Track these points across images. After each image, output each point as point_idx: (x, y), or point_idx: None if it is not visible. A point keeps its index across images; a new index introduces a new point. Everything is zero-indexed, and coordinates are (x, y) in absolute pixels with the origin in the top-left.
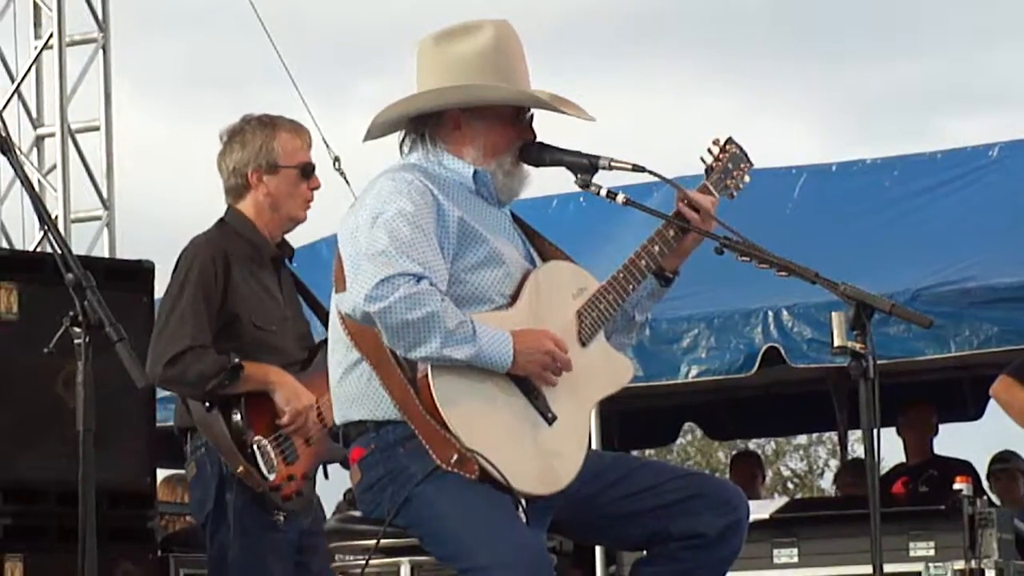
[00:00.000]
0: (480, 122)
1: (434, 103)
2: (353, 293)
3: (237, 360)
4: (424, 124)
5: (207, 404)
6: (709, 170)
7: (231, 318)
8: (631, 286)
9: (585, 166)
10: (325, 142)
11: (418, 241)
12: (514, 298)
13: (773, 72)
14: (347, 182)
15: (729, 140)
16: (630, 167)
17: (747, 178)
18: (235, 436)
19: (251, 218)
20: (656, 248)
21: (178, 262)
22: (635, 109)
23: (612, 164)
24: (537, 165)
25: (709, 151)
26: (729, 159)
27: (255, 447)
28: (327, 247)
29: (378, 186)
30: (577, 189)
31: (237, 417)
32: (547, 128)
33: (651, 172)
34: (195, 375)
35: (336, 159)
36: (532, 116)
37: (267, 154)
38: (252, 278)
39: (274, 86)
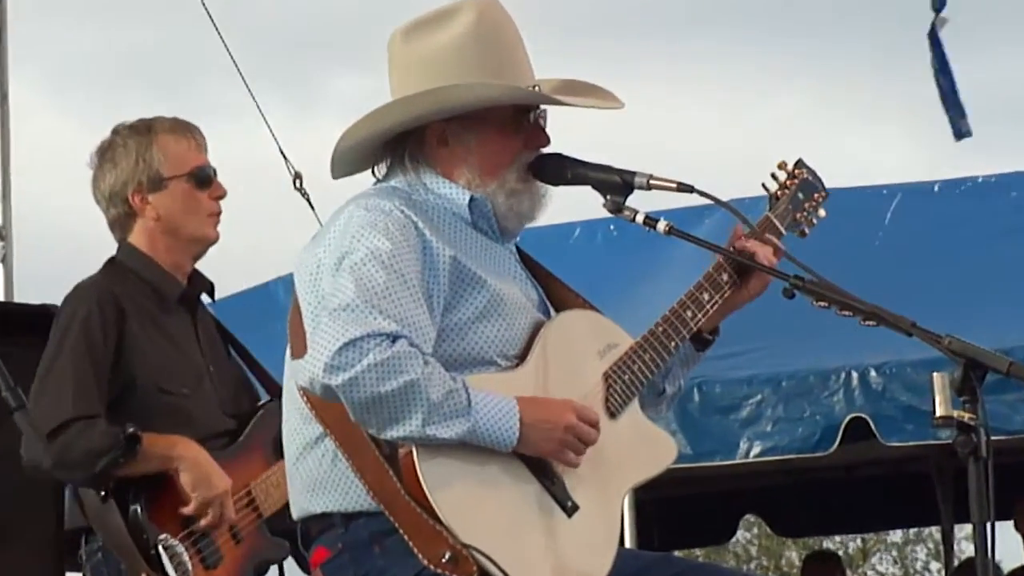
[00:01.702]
0: (470, 134)
1: (403, 117)
2: (310, 362)
3: (132, 430)
4: (403, 143)
5: (102, 492)
6: (774, 200)
7: (128, 381)
8: (673, 343)
9: (617, 184)
10: (283, 154)
11: (395, 290)
12: (521, 358)
13: (858, 65)
14: (311, 205)
15: (799, 163)
16: (674, 186)
17: (822, 212)
18: (134, 533)
19: (146, 251)
20: (706, 296)
21: (58, 315)
22: (686, 114)
23: (652, 182)
24: (554, 183)
25: (774, 176)
26: (799, 187)
27: (160, 547)
28: (284, 289)
29: (346, 216)
30: (606, 214)
31: (137, 508)
32: (577, 131)
33: (702, 193)
34: (80, 453)
35: (297, 176)
36: (542, 118)
37: (146, 167)
38: (154, 328)
39: (223, 82)
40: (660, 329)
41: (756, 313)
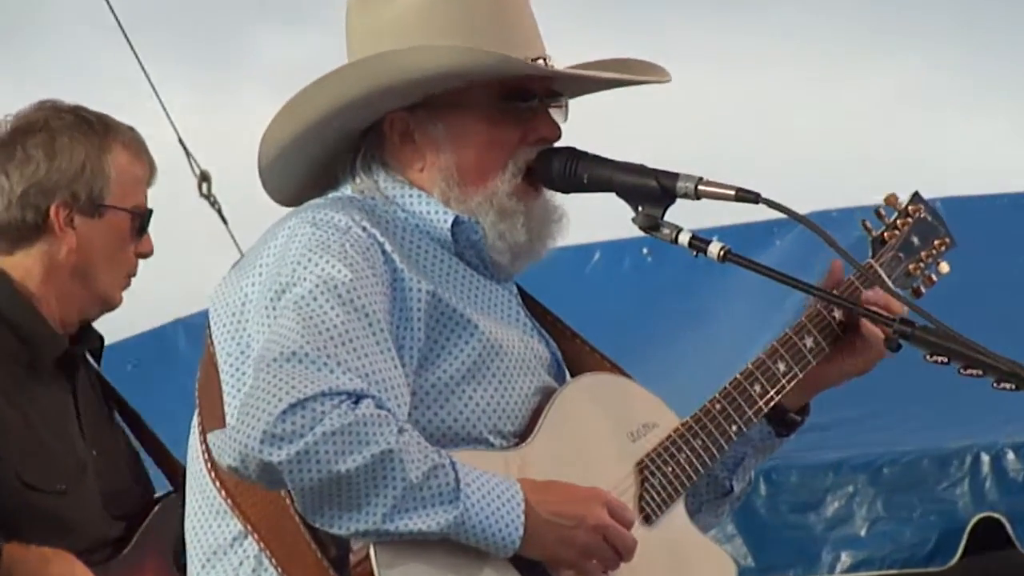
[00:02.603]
0: (439, 125)
1: (334, 101)
2: (240, 431)
3: None
4: (359, 141)
5: None
6: (878, 244)
7: None
8: (735, 427)
9: (653, 191)
10: (184, 147)
11: (356, 333)
12: (523, 436)
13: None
14: (222, 217)
15: (915, 198)
16: (732, 193)
17: (944, 267)
18: None
19: (30, 289)
20: (782, 366)
21: None
22: (747, 100)
23: (702, 188)
24: (566, 189)
25: (879, 214)
26: (913, 229)
27: None
28: (186, 334)
29: (286, 235)
30: (637, 232)
31: None
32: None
33: (770, 203)
34: None
35: (203, 177)
36: (557, 108)
37: (91, 179)
38: (21, 399)
39: (103, 43)
40: (717, 407)
41: None
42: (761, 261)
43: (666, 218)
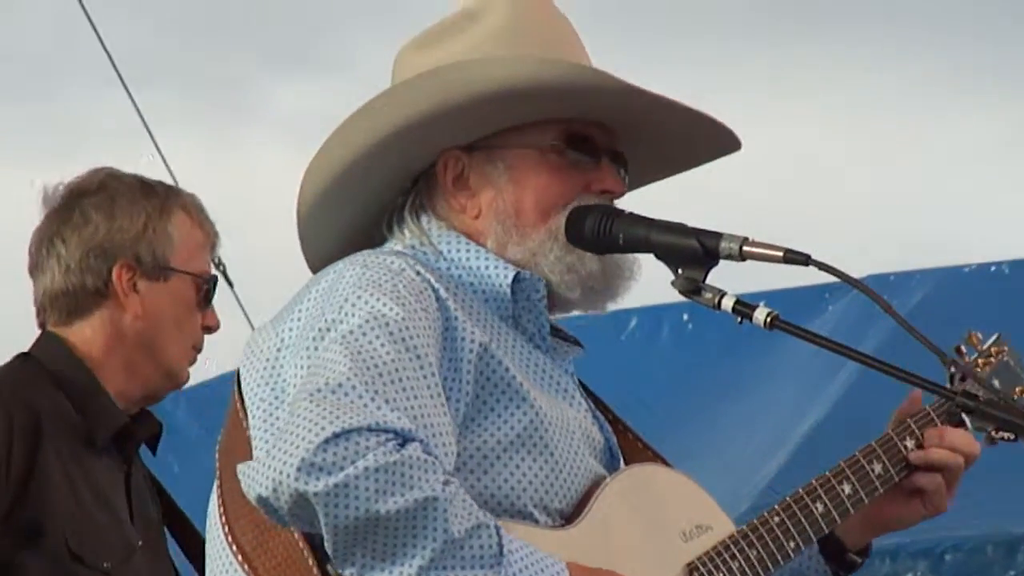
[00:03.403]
0: (499, 166)
1: (398, 118)
2: (276, 457)
3: None
4: (407, 191)
5: None
6: (967, 412)
7: (31, 534)
8: (792, 544)
9: (694, 252)
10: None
11: (407, 373)
12: (571, 517)
13: None
14: (228, 282)
15: (999, 340)
16: (780, 255)
17: None
18: None
19: (93, 357)
20: (847, 487)
21: None
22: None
23: (747, 249)
24: (599, 251)
25: (959, 351)
26: (995, 372)
27: None
28: (187, 406)
29: (330, 279)
30: (677, 297)
31: None
32: None
33: (822, 266)
34: None
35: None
36: (617, 157)
37: (154, 239)
38: (77, 469)
39: (101, 92)
40: (776, 519)
41: None
42: (811, 328)
43: (708, 281)
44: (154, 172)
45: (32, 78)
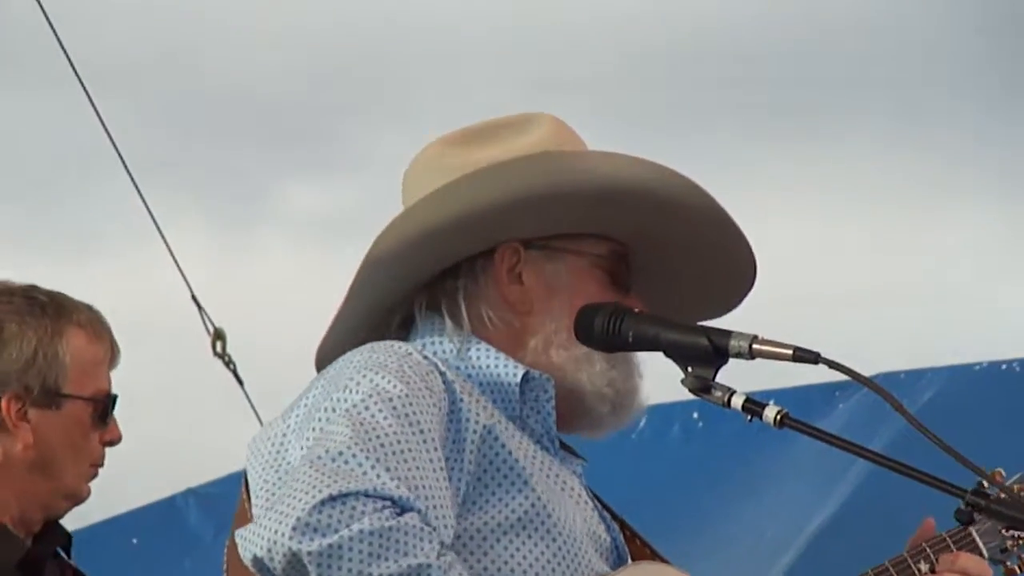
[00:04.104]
0: (563, 266)
1: (499, 194)
2: (271, 518)
3: None
4: (442, 283)
5: None
6: (977, 510)
7: None
8: None
9: (703, 350)
10: (196, 302)
11: (407, 445)
12: None
13: None
14: (238, 379)
15: (1022, 478)
16: (790, 353)
17: None
18: None
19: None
20: None
21: None
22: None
23: (757, 347)
24: (608, 349)
25: (982, 487)
26: (1016, 503)
27: None
28: (198, 507)
29: (339, 364)
30: (687, 395)
31: None
32: None
33: (832, 364)
34: None
35: (217, 336)
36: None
37: (44, 368)
38: None
39: (113, 187)
40: None
41: None
42: (822, 427)
43: (718, 380)
44: (166, 273)
45: (40, 173)
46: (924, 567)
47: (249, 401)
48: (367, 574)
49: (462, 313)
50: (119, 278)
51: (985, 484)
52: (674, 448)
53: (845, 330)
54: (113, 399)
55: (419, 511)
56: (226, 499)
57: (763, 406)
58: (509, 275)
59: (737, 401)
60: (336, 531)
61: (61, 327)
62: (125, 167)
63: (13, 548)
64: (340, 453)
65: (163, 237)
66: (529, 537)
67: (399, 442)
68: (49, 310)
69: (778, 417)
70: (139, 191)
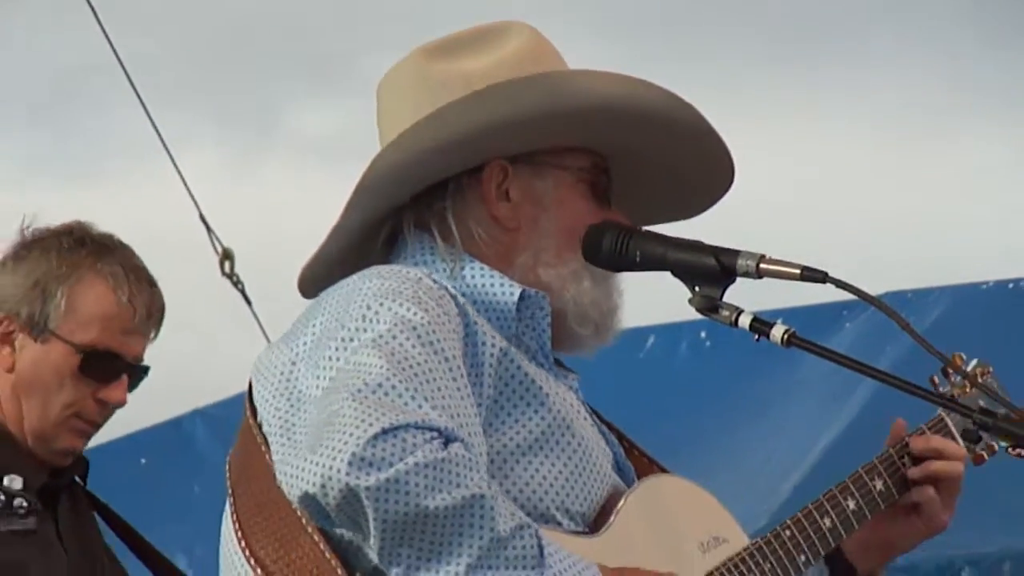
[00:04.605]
0: (550, 181)
1: (496, 116)
2: (323, 454)
3: None
4: (429, 202)
5: None
6: (984, 428)
7: None
8: (803, 558)
9: (711, 270)
10: (204, 221)
11: (438, 374)
12: (594, 525)
13: None
14: (247, 298)
15: (981, 362)
16: (798, 272)
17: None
18: None
19: (7, 417)
20: (851, 503)
21: None
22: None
23: (764, 266)
24: (616, 268)
25: (946, 372)
26: (980, 394)
27: None
28: (204, 425)
29: (345, 292)
30: (694, 315)
31: None
32: None
33: (839, 283)
34: None
35: (226, 256)
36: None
37: (38, 298)
38: (9, 535)
39: (122, 108)
40: (787, 534)
41: None
42: (829, 345)
43: (726, 299)
44: (174, 194)
45: (52, 96)
46: (908, 462)
47: (258, 321)
48: (424, 507)
49: (452, 231)
50: (128, 198)
51: (949, 371)
52: (682, 367)
53: (852, 250)
54: (109, 358)
55: (462, 440)
56: (233, 420)
57: (770, 325)
58: (497, 192)
59: (745, 320)
60: (392, 464)
61: (78, 270)
62: (135, 89)
63: (32, 475)
64: (379, 385)
65: (171, 157)
66: (547, 456)
67: (430, 371)
68: (79, 252)
69: (785, 336)
70: (148, 112)
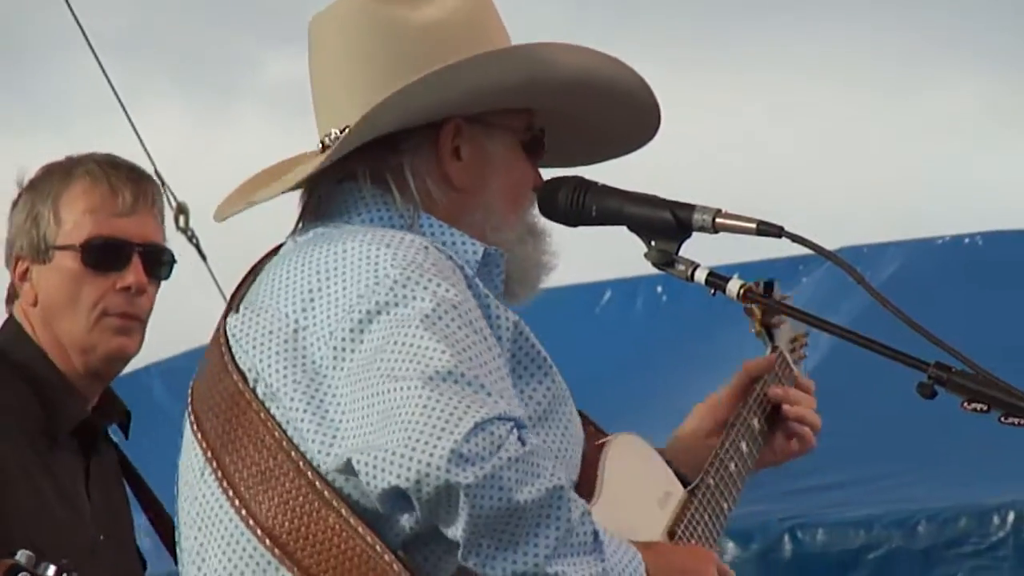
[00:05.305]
0: (498, 143)
1: (473, 83)
2: (419, 449)
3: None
4: (383, 156)
5: None
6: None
7: None
8: (727, 505)
9: (667, 224)
10: (158, 175)
11: (487, 356)
12: (582, 489)
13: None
14: (202, 255)
15: (769, 284)
16: (753, 227)
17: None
18: None
19: (41, 346)
20: (745, 446)
21: None
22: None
23: (720, 221)
24: (572, 223)
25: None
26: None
27: None
28: (162, 380)
29: (350, 258)
30: (651, 269)
31: None
32: None
33: (795, 238)
34: None
35: (180, 209)
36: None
37: (33, 225)
38: (37, 464)
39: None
40: (711, 482)
41: (878, 422)
42: (785, 301)
43: (682, 253)
44: (131, 148)
45: (2, 47)
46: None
47: (213, 276)
48: (515, 501)
49: (410, 187)
50: (83, 151)
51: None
52: (638, 322)
53: (808, 205)
54: (111, 245)
55: (526, 427)
56: (190, 373)
57: (726, 280)
58: (452, 150)
59: (701, 275)
60: (487, 460)
61: (57, 186)
62: (87, 40)
63: (74, 412)
64: (449, 372)
65: (124, 109)
66: (553, 426)
67: (480, 355)
68: (55, 174)
69: (741, 291)
70: (100, 63)
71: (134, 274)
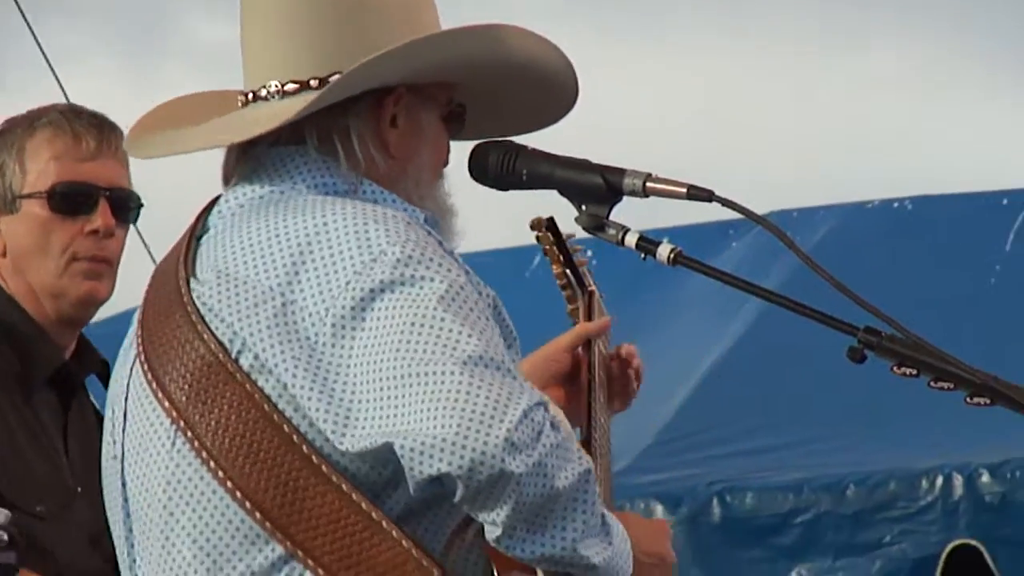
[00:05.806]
0: (429, 113)
1: (444, 52)
2: (471, 437)
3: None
4: (334, 116)
5: None
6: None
7: None
8: (608, 458)
9: (597, 188)
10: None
11: (498, 339)
12: None
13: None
14: (139, 232)
15: (551, 221)
16: (684, 191)
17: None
18: None
19: (16, 296)
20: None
21: None
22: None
23: (651, 185)
24: (502, 187)
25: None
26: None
27: None
28: (91, 340)
29: (336, 230)
30: (581, 233)
31: None
32: None
33: (725, 202)
34: None
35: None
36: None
37: (6, 174)
38: (12, 412)
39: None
40: (596, 436)
41: (807, 387)
42: (715, 264)
43: (612, 218)
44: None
45: None
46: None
47: (143, 241)
48: (556, 488)
49: (355, 151)
50: (9, 112)
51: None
52: None
53: (739, 169)
54: (80, 189)
55: (550, 411)
56: (117, 338)
57: (657, 244)
58: (392, 118)
59: (631, 239)
60: (533, 448)
61: (21, 138)
62: (17, 4)
63: (49, 359)
64: (480, 357)
65: (53, 71)
66: None
67: (494, 336)
68: (19, 126)
69: (671, 255)
70: (29, 26)
71: (102, 217)
